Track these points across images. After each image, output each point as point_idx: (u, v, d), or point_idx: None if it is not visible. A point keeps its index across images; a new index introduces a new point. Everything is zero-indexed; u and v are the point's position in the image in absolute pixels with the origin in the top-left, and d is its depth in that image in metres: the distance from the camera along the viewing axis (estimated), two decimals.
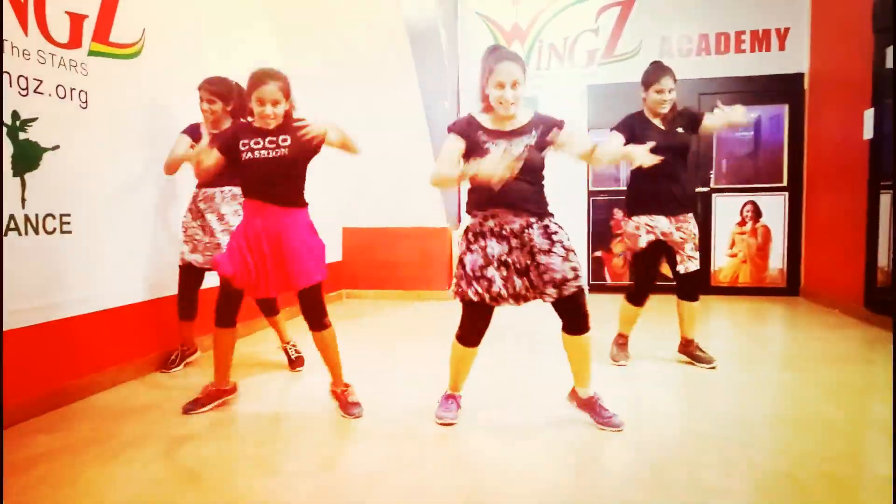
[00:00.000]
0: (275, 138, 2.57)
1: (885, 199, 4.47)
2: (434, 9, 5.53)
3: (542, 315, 2.50)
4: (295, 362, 3.49)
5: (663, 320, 4.33)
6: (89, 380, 3.02)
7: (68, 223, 2.90)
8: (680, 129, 3.28)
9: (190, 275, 3.43)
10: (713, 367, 3.34)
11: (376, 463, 2.22)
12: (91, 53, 3.02)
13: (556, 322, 2.49)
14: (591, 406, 2.53)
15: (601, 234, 6.26)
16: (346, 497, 1.97)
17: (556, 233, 2.37)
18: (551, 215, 2.43)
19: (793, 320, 4.87)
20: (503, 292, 2.36)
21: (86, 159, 3.00)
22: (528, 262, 2.35)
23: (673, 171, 3.19)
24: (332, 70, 5.18)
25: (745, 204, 5.98)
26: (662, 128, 3.26)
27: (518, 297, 2.39)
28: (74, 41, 2.92)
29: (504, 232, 2.35)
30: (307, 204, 2.70)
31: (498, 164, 2.13)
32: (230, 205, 3.35)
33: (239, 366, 3.30)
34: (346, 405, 2.70)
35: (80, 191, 2.98)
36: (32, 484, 2.05)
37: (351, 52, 5.15)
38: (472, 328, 2.51)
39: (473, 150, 2.38)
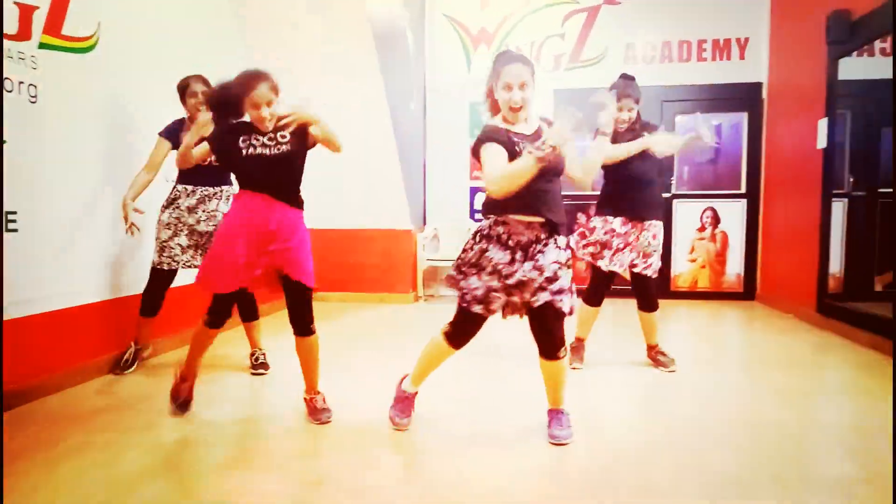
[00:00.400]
0: (274, 135, 2.55)
1: (836, 207, 4.60)
2: (400, 9, 5.51)
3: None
4: (259, 366, 3.42)
5: (625, 323, 4.39)
6: (36, 383, 2.92)
7: (14, 220, 2.81)
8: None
9: (164, 275, 3.37)
10: (672, 371, 3.39)
11: (338, 468, 2.19)
12: (42, 46, 2.93)
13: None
14: (551, 417, 2.51)
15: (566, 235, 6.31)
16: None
17: (560, 257, 2.33)
18: (563, 225, 2.36)
19: (749, 325, 4.98)
20: (494, 304, 2.31)
21: (34, 155, 2.90)
22: (524, 278, 2.27)
23: (642, 177, 3.26)
24: (295, 66, 5.12)
25: (705, 210, 6.09)
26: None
27: (505, 309, 2.35)
28: (24, 33, 2.83)
29: (510, 243, 2.29)
30: (304, 206, 2.66)
31: (561, 133, 2.08)
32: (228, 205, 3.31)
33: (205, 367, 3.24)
34: (315, 411, 2.66)
35: (29, 187, 2.88)
36: None
37: (315, 50, 5.10)
38: (465, 331, 2.44)
39: (512, 157, 2.26)
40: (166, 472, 2.15)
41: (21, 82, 2.82)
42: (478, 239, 2.35)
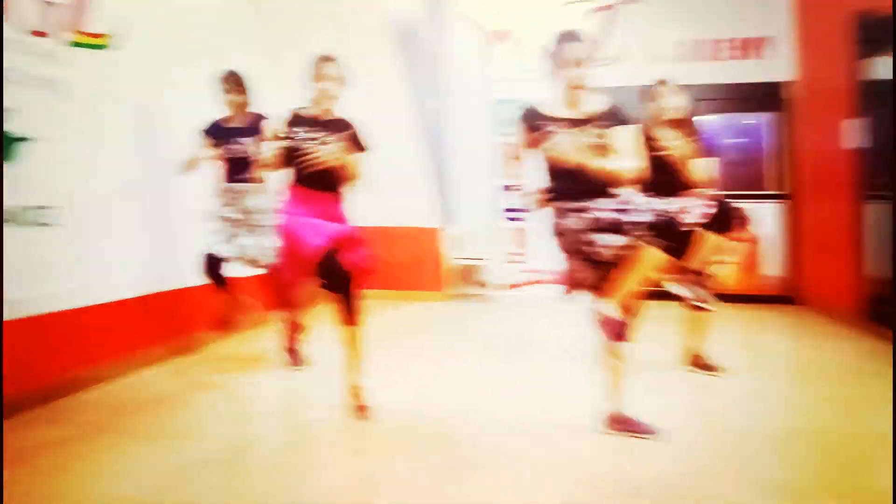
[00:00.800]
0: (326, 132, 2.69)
1: (870, 209, 4.45)
2: (420, 9, 5.50)
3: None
4: (299, 358, 3.46)
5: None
6: (82, 374, 2.97)
7: (49, 215, 2.81)
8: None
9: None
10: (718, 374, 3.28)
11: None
12: (71, 44, 2.91)
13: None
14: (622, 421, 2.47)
15: None
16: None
17: None
18: None
19: (789, 329, 4.80)
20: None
21: (65, 150, 2.92)
22: None
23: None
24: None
25: None
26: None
27: None
28: (53, 30, 2.81)
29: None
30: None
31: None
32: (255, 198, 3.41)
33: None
34: (360, 407, 2.65)
35: (60, 182, 2.90)
36: (27, 475, 2.01)
37: (337, 51, 5.06)
38: None
39: (533, 135, 2.37)
40: (210, 464, 2.12)
41: (49, 79, 2.80)
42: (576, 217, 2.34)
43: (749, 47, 5.96)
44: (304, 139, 2.60)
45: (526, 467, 2.19)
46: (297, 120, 2.68)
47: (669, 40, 6.08)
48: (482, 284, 6.36)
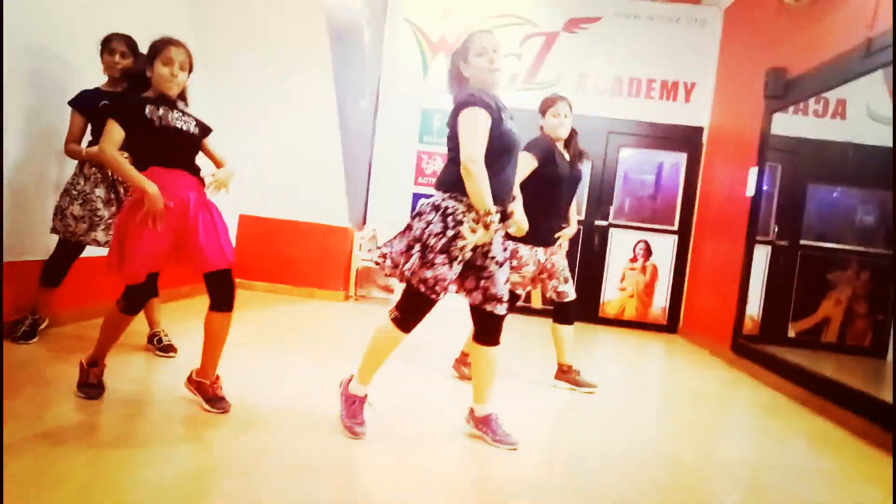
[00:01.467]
0: (180, 114, 2.50)
1: (759, 252, 4.80)
2: (360, 6, 5.47)
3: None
4: (168, 349, 3.27)
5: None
6: None
7: None
8: (580, 166, 3.39)
9: (73, 247, 3.20)
10: (593, 392, 3.43)
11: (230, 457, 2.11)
12: None
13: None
14: (486, 423, 2.51)
15: None
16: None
17: (513, 252, 2.51)
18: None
19: (666, 356, 5.12)
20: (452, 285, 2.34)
21: None
22: (479, 263, 2.36)
23: (560, 204, 3.35)
24: (244, 49, 4.99)
25: (639, 242, 6.26)
26: (566, 156, 3.32)
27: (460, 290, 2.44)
28: None
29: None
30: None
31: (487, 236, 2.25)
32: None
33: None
34: (214, 399, 2.51)
35: None
36: None
37: (266, 35, 4.98)
38: (418, 313, 2.36)
39: (497, 125, 2.33)
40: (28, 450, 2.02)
41: None
42: (450, 223, 2.24)
43: (675, 90, 6.24)
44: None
45: (380, 471, 2.19)
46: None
47: (601, 73, 6.29)
48: (387, 288, 6.38)
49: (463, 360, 3.46)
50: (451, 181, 2.29)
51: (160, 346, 3.28)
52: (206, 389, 2.54)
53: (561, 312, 3.43)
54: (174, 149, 2.46)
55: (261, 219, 5.92)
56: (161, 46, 2.44)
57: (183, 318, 4.04)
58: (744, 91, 5.33)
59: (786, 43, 4.67)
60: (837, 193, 5.49)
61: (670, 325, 6.25)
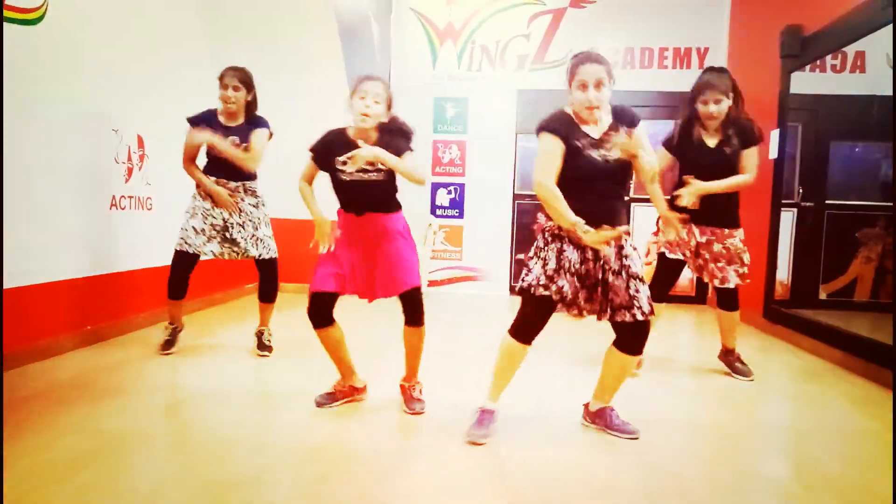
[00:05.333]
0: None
1: (785, 217, 4.74)
2: (367, 1, 5.47)
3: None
4: (265, 348, 3.52)
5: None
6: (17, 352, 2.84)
7: None
8: (727, 150, 3.22)
9: (185, 259, 3.36)
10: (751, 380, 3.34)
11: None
12: None
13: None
14: (602, 417, 2.52)
15: (525, 237, 6.36)
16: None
17: (627, 256, 2.29)
18: (628, 233, 2.34)
19: (697, 328, 5.10)
20: (569, 298, 2.29)
21: None
22: (599, 276, 2.28)
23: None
24: (258, 55, 5.02)
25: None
26: (710, 144, 3.24)
27: (581, 310, 2.33)
28: None
29: (583, 243, 2.24)
30: (401, 208, 2.75)
31: (600, 238, 2.17)
32: (250, 198, 3.48)
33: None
34: (410, 399, 2.71)
35: None
36: None
37: (279, 39, 5.02)
38: (531, 324, 2.37)
39: (572, 156, 2.25)
40: (99, 459, 2.09)
41: None
42: (550, 238, 2.32)
43: (688, 57, 6.15)
44: None
45: (447, 471, 2.22)
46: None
47: (612, 46, 6.22)
48: None
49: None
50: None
51: (260, 344, 3.57)
52: (405, 391, 2.77)
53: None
54: (357, 195, 2.65)
55: (284, 220, 5.97)
56: (358, 81, 2.58)
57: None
58: (759, 52, 5.24)
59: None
60: (860, 149, 5.40)
61: (699, 296, 6.20)
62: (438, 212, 6.40)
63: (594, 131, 2.32)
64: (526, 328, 2.38)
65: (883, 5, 3.55)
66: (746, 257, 3.31)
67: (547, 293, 2.27)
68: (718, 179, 3.18)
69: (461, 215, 6.45)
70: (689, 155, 3.26)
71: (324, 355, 2.74)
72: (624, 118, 2.34)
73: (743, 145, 3.19)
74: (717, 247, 3.30)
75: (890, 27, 3.62)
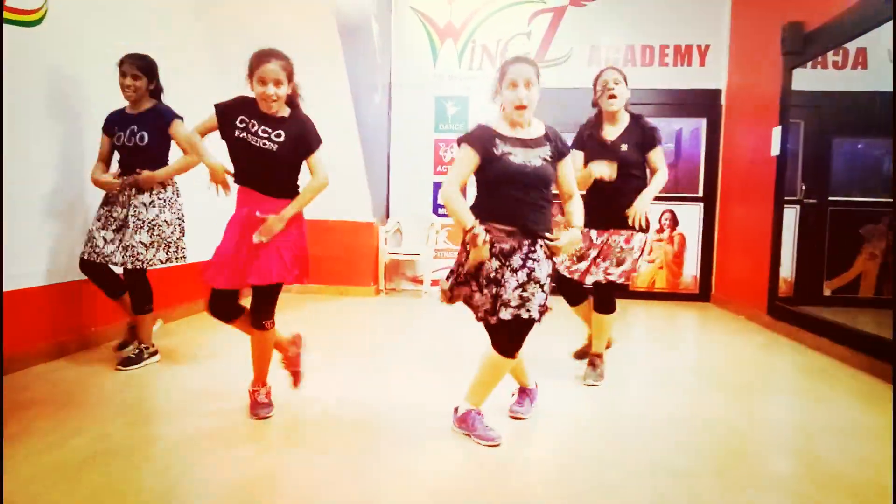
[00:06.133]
0: (270, 130, 2.43)
1: (788, 213, 4.73)
2: (367, 0, 5.45)
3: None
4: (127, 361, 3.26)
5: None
6: None
7: None
8: (624, 147, 3.11)
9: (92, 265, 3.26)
10: (594, 385, 3.17)
11: (279, 464, 2.15)
12: None
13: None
14: (464, 421, 2.42)
15: None
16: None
17: (536, 260, 2.26)
18: (547, 238, 2.32)
19: (702, 325, 5.09)
20: (481, 307, 2.31)
21: None
22: (497, 277, 2.27)
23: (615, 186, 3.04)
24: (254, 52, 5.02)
25: (664, 212, 6.20)
26: (608, 140, 3.13)
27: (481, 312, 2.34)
28: None
29: (493, 249, 2.25)
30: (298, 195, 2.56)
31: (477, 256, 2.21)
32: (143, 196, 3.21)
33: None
34: (256, 405, 2.58)
35: None
36: None
37: (278, 37, 4.96)
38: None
39: (489, 162, 2.27)
40: (106, 459, 2.08)
41: None
42: (464, 245, 2.33)
43: (689, 54, 6.14)
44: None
45: (446, 471, 2.21)
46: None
47: (613, 44, 6.21)
48: (416, 280, 6.41)
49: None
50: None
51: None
52: (250, 395, 2.63)
53: (596, 298, 3.24)
54: (252, 166, 2.48)
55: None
56: (255, 63, 2.43)
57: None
58: (760, 49, 5.23)
59: None
60: (862, 145, 5.38)
61: (703, 294, 6.19)
62: (440, 211, 6.39)
63: (521, 134, 2.33)
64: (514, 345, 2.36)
65: (884, 1, 3.53)
66: (629, 261, 3.14)
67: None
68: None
69: None
70: (593, 150, 3.14)
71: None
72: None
73: (642, 150, 3.15)
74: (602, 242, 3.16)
75: (891, 22, 3.61)
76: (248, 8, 4.81)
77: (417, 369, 3.36)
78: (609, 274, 3.13)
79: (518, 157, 2.28)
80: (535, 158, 2.29)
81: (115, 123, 3.23)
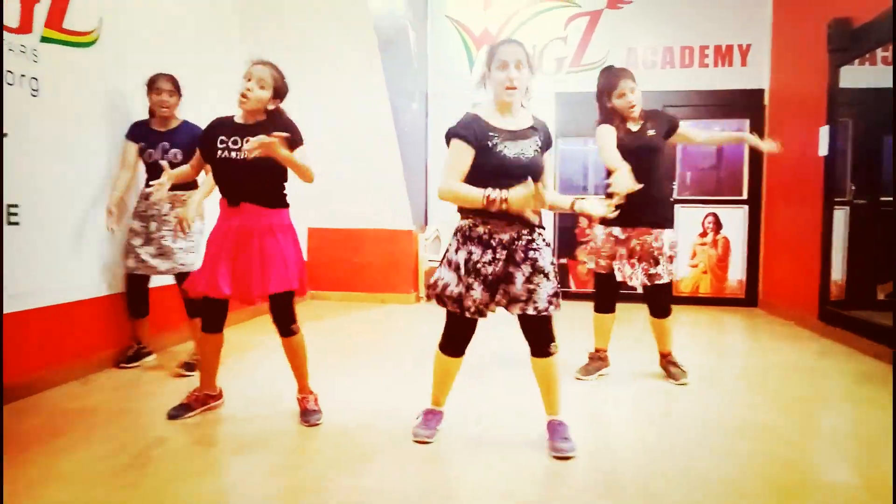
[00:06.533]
0: (240, 140, 2.45)
1: (838, 215, 4.59)
2: (404, 11, 5.52)
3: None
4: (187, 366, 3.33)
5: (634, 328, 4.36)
6: (36, 377, 2.92)
7: (16, 214, 2.80)
8: (651, 132, 3.12)
9: (137, 278, 3.40)
10: (683, 384, 3.22)
11: (328, 472, 2.18)
12: (43, 40, 2.93)
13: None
14: (551, 430, 2.38)
15: (567, 241, 6.29)
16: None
17: (537, 249, 2.25)
18: (543, 227, 2.33)
19: (750, 331, 4.96)
20: (477, 302, 2.24)
21: (36, 148, 2.90)
22: (504, 273, 2.24)
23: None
24: (297, 67, 5.11)
25: (707, 215, 6.08)
26: (633, 129, 3.14)
27: (485, 308, 2.27)
28: (25, 26, 2.82)
29: (493, 241, 2.23)
30: (287, 205, 2.62)
31: (526, 199, 2.07)
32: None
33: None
34: (306, 412, 2.61)
35: (31, 181, 2.88)
36: None
37: (318, 51, 5.10)
38: (456, 336, 2.39)
39: (483, 154, 2.22)
40: (161, 468, 2.13)
41: (23, 75, 2.81)
42: (462, 240, 2.29)
43: (729, 54, 6.03)
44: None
45: (489, 479, 2.20)
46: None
47: (651, 46, 6.14)
48: None
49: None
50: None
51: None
52: (300, 404, 2.65)
53: (650, 304, 3.27)
54: (232, 180, 2.51)
55: (328, 230, 6.07)
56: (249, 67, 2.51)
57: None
58: (805, 47, 5.09)
59: None
60: None
61: (749, 299, 6.03)
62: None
63: (510, 124, 2.28)
64: (453, 342, 2.41)
65: None
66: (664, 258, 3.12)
67: (468, 314, 2.25)
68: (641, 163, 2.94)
69: None
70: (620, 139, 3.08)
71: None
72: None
73: (666, 134, 3.19)
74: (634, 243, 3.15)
75: None
76: (292, 28, 4.92)
77: (461, 377, 3.36)
78: (653, 276, 3.11)
79: (510, 148, 2.22)
80: (527, 150, 2.25)
81: (142, 138, 3.32)
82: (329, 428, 2.56)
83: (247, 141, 2.37)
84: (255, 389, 3.10)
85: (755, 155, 5.98)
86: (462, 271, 2.25)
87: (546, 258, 2.27)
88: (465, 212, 2.31)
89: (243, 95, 2.46)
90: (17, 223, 2.80)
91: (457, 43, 6.41)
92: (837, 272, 4.70)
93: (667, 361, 3.36)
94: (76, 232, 3.19)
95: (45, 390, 2.95)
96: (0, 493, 1.82)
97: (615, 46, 6.19)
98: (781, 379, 3.42)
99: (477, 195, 2.15)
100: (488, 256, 2.23)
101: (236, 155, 2.44)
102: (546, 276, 2.25)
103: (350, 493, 1.98)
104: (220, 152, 2.46)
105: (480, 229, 2.25)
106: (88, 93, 3.24)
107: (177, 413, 2.62)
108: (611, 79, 3.17)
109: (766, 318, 5.47)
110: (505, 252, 2.23)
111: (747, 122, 6.01)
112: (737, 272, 6.09)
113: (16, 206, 2.80)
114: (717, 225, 6.07)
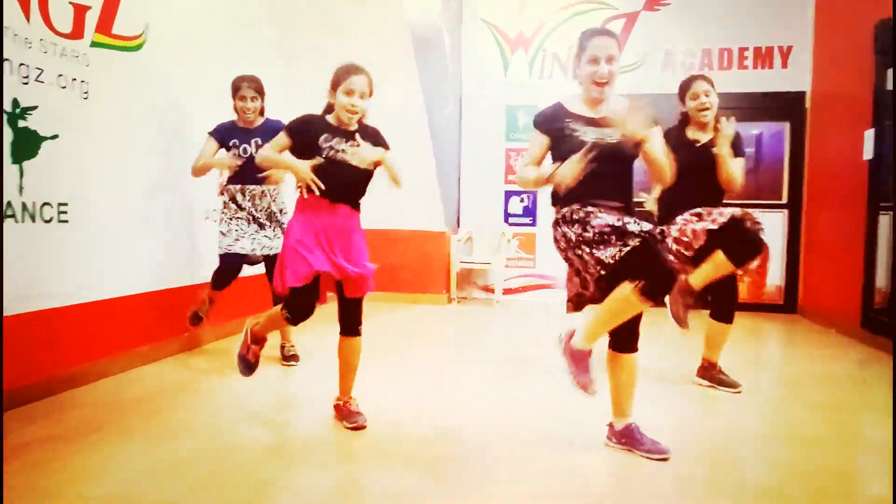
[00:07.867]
0: (345, 142, 2.50)
1: (883, 220, 4.46)
2: (438, 14, 5.54)
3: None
4: (290, 357, 3.56)
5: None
6: (85, 369, 3.02)
7: (65, 212, 2.90)
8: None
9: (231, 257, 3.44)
10: (738, 392, 3.12)
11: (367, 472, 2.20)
12: (94, 45, 3.03)
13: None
14: (627, 435, 2.31)
15: None
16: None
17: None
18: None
19: (789, 338, 4.86)
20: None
21: (86, 149, 3.01)
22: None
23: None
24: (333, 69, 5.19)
25: None
26: (698, 142, 3.06)
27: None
28: (77, 31, 2.92)
29: (594, 228, 2.11)
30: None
31: (571, 168, 2.05)
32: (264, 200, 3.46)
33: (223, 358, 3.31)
34: (350, 414, 2.59)
35: (80, 180, 2.98)
36: (23, 469, 2.04)
37: (353, 55, 5.12)
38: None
39: (561, 142, 2.20)
40: (202, 462, 2.18)
41: (74, 79, 2.91)
42: (576, 227, 2.16)
43: (770, 56, 5.92)
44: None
45: (523, 481, 2.19)
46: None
47: (688, 48, 6.06)
48: (487, 288, 6.41)
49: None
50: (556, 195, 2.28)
51: (286, 355, 3.59)
52: (341, 408, 2.64)
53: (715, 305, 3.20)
54: (341, 182, 2.54)
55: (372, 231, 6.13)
56: (342, 75, 2.52)
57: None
58: (848, 49, 4.97)
59: None
60: None
61: (788, 305, 5.90)
62: (511, 220, 6.39)
63: (595, 112, 2.23)
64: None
65: None
66: None
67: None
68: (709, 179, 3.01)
69: (534, 223, 6.41)
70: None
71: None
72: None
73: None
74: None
75: None
76: (324, 26, 4.98)
77: (494, 378, 3.36)
78: None
79: (589, 135, 2.15)
80: (609, 137, 2.15)
81: (230, 136, 3.41)
82: (369, 429, 2.57)
83: (351, 145, 2.47)
84: (286, 394, 3.15)
85: (796, 158, 5.85)
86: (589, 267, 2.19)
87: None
88: (563, 202, 2.24)
89: (351, 111, 2.48)
90: (66, 221, 2.90)
91: (491, 46, 6.42)
92: (881, 279, 4.57)
93: (717, 372, 3.22)
94: (122, 231, 3.29)
95: (89, 383, 3.04)
96: (0, 493, 1.87)
97: (652, 48, 6.13)
98: (828, 387, 3.33)
99: (541, 172, 2.21)
100: (610, 220, 2.12)
101: (342, 157, 2.48)
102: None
103: (394, 494, 2.00)
104: (327, 151, 2.48)
105: (582, 214, 2.17)
106: (135, 95, 3.34)
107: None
108: (688, 80, 3.11)
109: (806, 324, 5.34)
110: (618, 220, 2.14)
111: (787, 125, 5.90)
112: (775, 278, 5.96)
113: (65, 204, 2.89)
114: None
